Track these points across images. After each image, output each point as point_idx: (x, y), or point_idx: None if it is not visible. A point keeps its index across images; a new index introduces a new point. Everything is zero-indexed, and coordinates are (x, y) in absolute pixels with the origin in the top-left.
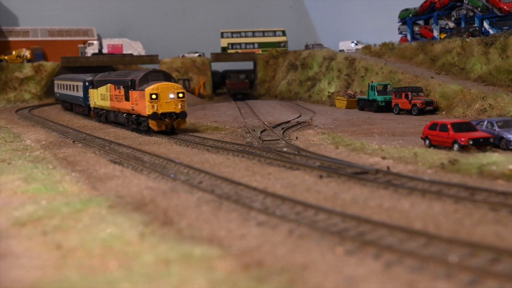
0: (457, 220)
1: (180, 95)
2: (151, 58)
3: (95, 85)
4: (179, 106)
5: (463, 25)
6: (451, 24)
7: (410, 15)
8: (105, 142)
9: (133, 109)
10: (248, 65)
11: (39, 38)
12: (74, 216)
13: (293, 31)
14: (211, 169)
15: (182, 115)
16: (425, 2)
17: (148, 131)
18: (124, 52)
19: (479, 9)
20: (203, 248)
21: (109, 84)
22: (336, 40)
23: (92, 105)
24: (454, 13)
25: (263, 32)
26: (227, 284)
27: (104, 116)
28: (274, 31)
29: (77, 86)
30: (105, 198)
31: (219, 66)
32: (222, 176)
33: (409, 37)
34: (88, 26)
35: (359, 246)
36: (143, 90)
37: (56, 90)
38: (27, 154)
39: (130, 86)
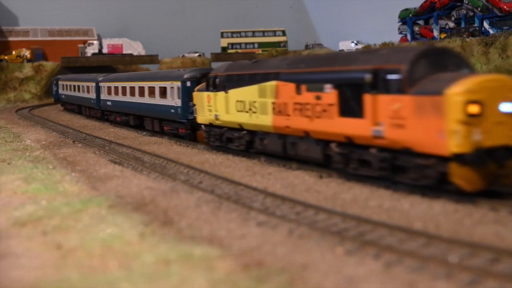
0: (457, 220)
1: None
2: (151, 58)
3: (218, 85)
4: None
5: (463, 25)
6: (451, 24)
7: (410, 15)
8: (105, 142)
9: (378, 137)
10: None
11: (39, 38)
12: (74, 216)
13: (293, 31)
14: (211, 169)
15: None
16: (425, 2)
17: (430, 189)
18: (124, 52)
19: (479, 9)
20: (203, 248)
21: (273, 83)
22: (336, 40)
23: (202, 121)
24: (454, 13)
25: (263, 32)
26: (227, 284)
27: (245, 142)
28: (274, 31)
29: (165, 88)
30: (105, 198)
31: None
32: (222, 176)
33: (409, 37)
34: (88, 26)
35: (359, 246)
36: (439, 93)
37: (104, 96)
38: (27, 154)
39: (373, 84)
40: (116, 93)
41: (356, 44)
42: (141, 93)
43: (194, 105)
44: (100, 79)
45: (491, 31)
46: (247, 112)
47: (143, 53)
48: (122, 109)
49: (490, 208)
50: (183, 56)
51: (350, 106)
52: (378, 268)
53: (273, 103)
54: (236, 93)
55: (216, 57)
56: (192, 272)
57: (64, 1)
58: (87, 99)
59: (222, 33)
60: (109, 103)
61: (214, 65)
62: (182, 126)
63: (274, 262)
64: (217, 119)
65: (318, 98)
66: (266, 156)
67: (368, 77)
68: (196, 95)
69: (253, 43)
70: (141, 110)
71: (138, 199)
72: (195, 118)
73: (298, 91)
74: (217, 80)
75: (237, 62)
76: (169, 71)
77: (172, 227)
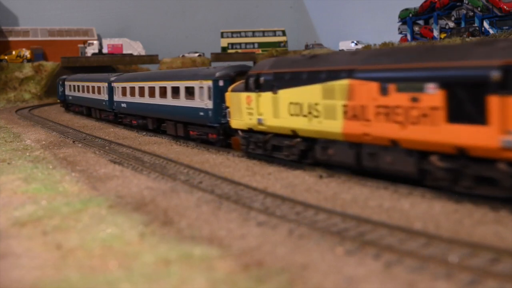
0: (457, 220)
1: None
2: (151, 58)
3: (263, 84)
4: None
5: (463, 25)
6: (451, 24)
7: (410, 15)
8: (105, 142)
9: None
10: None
11: (39, 38)
12: (74, 216)
13: (293, 31)
14: (211, 169)
15: None
16: (425, 2)
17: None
18: (124, 52)
19: (479, 9)
20: (203, 248)
21: (344, 82)
22: (336, 40)
23: (238, 126)
24: (454, 13)
25: (263, 32)
26: (227, 284)
27: (298, 151)
28: (274, 31)
29: (192, 88)
30: (105, 198)
31: None
32: (222, 176)
33: (409, 37)
34: (88, 26)
35: (359, 246)
36: None
37: (118, 97)
38: (27, 154)
39: (502, 84)
40: (132, 94)
41: (356, 44)
42: (163, 94)
43: (227, 107)
44: (113, 79)
45: (491, 31)
46: (305, 116)
47: (143, 53)
48: (139, 112)
49: (490, 208)
50: (183, 56)
51: (465, 110)
52: (378, 268)
53: (345, 105)
54: (289, 94)
55: (216, 57)
56: (192, 272)
57: (64, 1)
58: (98, 100)
59: (222, 33)
60: (123, 105)
61: (214, 65)
62: (213, 131)
63: (274, 262)
64: (261, 123)
65: (414, 100)
66: (326, 168)
67: (495, 74)
68: (230, 96)
69: (253, 43)
70: (162, 112)
71: (138, 199)
72: (228, 122)
73: (383, 91)
74: (262, 78)
75: (285, 58)
76: (197, 69)
77: (172, 227)
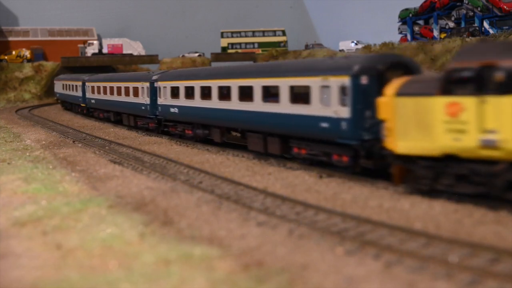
0: (457, 220)
1: None
2: (151, 58)
3: (509, 84)
4: None
5: (463, 25)
6: (451, 24)
7: (410, 15)
8: (105, 142)
9: None
10: None
11: (39, 38)
12: (74, 216)
13: (293, 31)
14: (211, 169)
15: None
16: (425, 2)
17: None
18: (124, 52)
19: (479, 9)
20: (203, 248)
21: None
22: (336, 40)
23: (414, 149)
24: (454, 13)
25: (263, 32)
26: (227, 284)
27: None
28: (274, 31)
29: (307, 89)
30: (105, 198)
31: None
32: (222, 176)
33: (409, 37)
34: (88, 26)
35: (359, 246)
36: None
37: (164, 100)
38: (27, 154)
39: None
40: (189, 95)
41: (356, 44)
42: (245, 96)
43: (381, 120)
44: (156, 77)
45: (491, 31)
46: None
47: (143, 53)
48: (199, 119)
49: (490, 208)
50: (183, 56)
51: None
52: (378, 268)
53: None
54: None
55: (216, 57)
56: (192, 272)
57: (64, 1)
58: (133, 104)
59: (222, 33)
60: (173, 110)
61: (214, 65)
62: (344, 151)
63: (274, 262)
64: (490, 146)
65: None
66: None
67: None
68: (396, 103)
69: (253, 43)
70: (241, 121)
71: (138, 199)
72: (374, 140)
73: None
74: (499, 74)
75: None
76: (313, 60)
77: (172, 227)
